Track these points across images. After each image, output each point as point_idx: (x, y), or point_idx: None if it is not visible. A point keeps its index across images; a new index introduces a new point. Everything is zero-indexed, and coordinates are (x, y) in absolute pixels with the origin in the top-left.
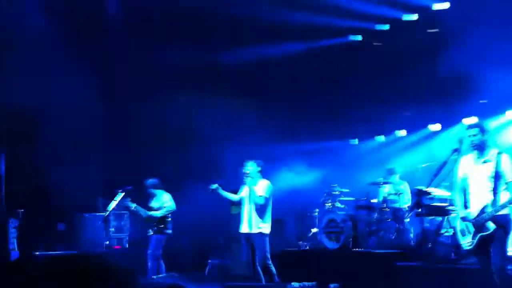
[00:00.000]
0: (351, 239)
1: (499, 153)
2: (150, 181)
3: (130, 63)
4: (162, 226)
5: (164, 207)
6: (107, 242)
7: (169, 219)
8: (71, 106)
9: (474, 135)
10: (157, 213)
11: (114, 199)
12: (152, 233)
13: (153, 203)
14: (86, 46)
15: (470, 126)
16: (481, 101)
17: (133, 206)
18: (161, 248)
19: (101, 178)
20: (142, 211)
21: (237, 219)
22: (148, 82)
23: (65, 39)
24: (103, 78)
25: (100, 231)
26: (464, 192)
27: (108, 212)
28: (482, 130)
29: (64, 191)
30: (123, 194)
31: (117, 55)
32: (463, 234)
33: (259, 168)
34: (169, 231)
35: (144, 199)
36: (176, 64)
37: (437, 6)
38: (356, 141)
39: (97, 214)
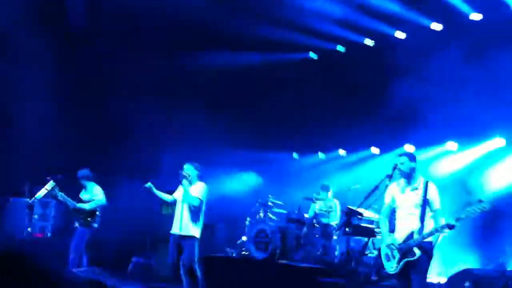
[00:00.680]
0: (278, 251)
1: (426, 182)
2: (82, 171)
3: (84, 60)
4: (90, 219)
5: (94, 200)
6: (29, 229)
7: (98, 213)
8: (18, 90)
9: (402, 163)
10: (86, 206)
11: (44, 187)
12: (78, 226)
13: (84, 195)
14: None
15: (400, 155)
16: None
17: (60, 194)
18: (85, 241)
19: (32, 163)
20: (70, 202)
21: (167, 219)
22: (102, 83)
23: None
24: (63, 72)
25: (24, 217)
26: (390, 217)
27: (34, 199)
28: (411, 159)
29: None
30: (53, 182)
31: (74, 50)
32: (387, 259)
33: (197, 172)
34: (96, 225)
35: (76, 190)
36: (133, 67)
37: (397, 34)
38: (296, 155)
39: (23, 199)
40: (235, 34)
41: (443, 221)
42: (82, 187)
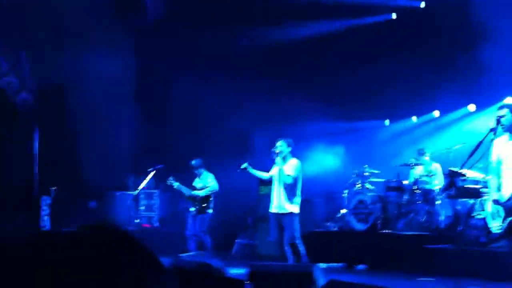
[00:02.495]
0: (380, 221)
1: None
2: (195, 161)
3: (162, 43)
4: (205, 205)
5: (208, 187)
6: (137, 221)
7: (211, 198)
8: (105, 85)
9: (504, 116)
10: (201, 192)
11: (146, 177)
12: (195, 212)
13: (197, 183)
14: (126, 27)
15: (500, 107)
16: None
17: (176, 184)
18: (205, 226)
19: (132, 156)
20: (185, 190)
21: (265, 199)
22: (183, 65)
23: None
24: (137, 58)
25: (130, 210)
26: (498, 174)
27: (138, 191)
28: None
29: (95, 169)
30: (155, 172)
31: (152, 35)
32: (494, 218)
33: (290, 148)
34: (211, 211)
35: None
36: (212, 46)
37: None
38: (387, 122)
39: (128, 192)
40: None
41: None
42: (195, 176)
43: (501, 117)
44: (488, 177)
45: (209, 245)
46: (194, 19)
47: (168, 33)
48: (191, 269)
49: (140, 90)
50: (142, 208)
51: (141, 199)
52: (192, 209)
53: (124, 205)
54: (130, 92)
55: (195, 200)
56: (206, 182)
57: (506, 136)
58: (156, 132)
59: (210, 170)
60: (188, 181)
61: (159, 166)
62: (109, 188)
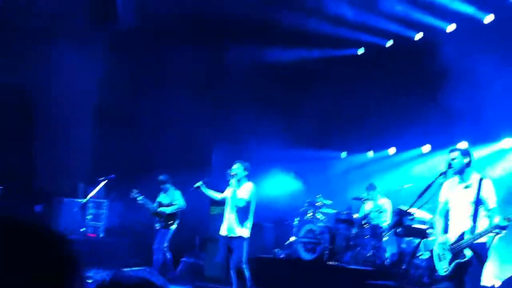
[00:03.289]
0: (327, 252)
1: (481, 179)
2: (163, 176)
3: (133, 55)
4: (171, 222)
5: (175, 204)
6: (83, 229)
7: (177, 215)
8: (69, 90)
9: (455, 159)
10: (167, 209)
11: (96, 187)
12: (159, 227)
13: (162, 198)
14: (96, 33)
15: (452, 150)
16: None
17: (140, 198)
18: (167, 241)
19: (86, 165)
20: (151, 205)
21: (216, 219)
22: (152, 79)
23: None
24: (104, 66)
25: (77, 217)
26: (445, 216)
27: (87, 199)
28: (464, 154)
29: (47, 173)
30: (105, 182)
31: (123, 46)
32: (440, 259)
33: (246, 172)
34: (175, 227)
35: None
36: (181, 61)
37: (449, 28)
38: (344, 154)
39: (76, 200)
40: (285, 29)
41: (496, 220)
42: (162, 191)
43: (452, 159)
44: (435, 219)
45: (170, 261)
46: (167, 32)
47: (138, 44)
48: (130, 285)
49: (103, 99)
50: (89, 217)
51: (89, 208)
52: (157, 225)
53: (71, 212)
54: (92, 100)
55: (161, 216)
56: (173, 199)
57: (455, 179)
58: (114, 142)
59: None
60: (146, 194)
61: (110, 176)
62: (58, 194)
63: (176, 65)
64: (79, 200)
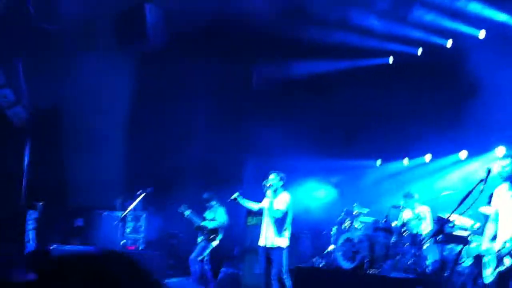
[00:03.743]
0: (367, 260)
1: None
2: (207, 194)
3: (161, 70)
4: (213, 236)
5: (218, 220)
6: (123, 242)
7: (220, 232)
8: (100, 105)
9: (505, 167)
10: (209, 224)
11: (135, 200)
12: (201, 241)
13: (207, 215)
14: (126, 52)
15: (503, 157)
16: None
17: (187, 213)
18: (207, 255)
19: (122, 178)
20: (196, 219)
21: (253, 230)
22: (181, 93)
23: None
24: (134, 80)
25: (116, 230)
26: (496, 224)
27: (126, 212)
28: None
29: (85, 187)
30: (144, 195)
31: (151, 62)
32: (485, 267)
33: (282, 182)
34: (217, 242)
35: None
36: (211, 78)
37: (481, 35)
38: (379, 162)
39: (115, 213)
40: (311, 41)
41: None
42: (207, 208)
43: (503, 167)
44: (477, 225)
45: (209, 272)
46: (195, 47)
47: (167, 60)
48: None
49: (133, 113)
50: (128, 230)
51: (128, 221)
52: (200, 238)
53: (110, 226)
54: (125, 115)
55: (203, 230)
56: (217, 215)
57: (506, 185)
58: (146, 156)
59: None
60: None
61: (148, 190)
62: (97, 208)
63: (204, 79)
64: (118, 213)
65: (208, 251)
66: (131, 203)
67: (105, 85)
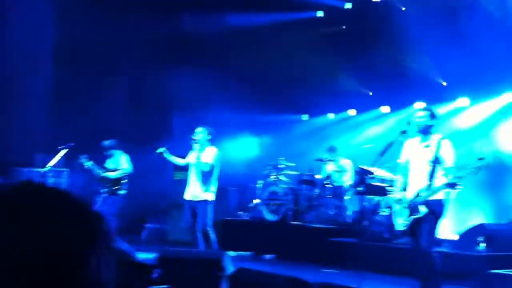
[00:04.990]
0: (291, 213)
1: (440, 139)
2: (108, 141)
3: (95, 30)
4: (117, 187)
5: (121, 169)
6: None
7: (125, 180)
8: (19, 57)
9: (421, 119)
10: (113, 174)
11: (56, 155)
12: (106, 194)
13: (110, 164)
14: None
15: (420, 110)
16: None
17: (88, 164)
18: (116, 208)
19: (43, 133)
20: (97, 171)
21: (180, 184)
22: (103, 47)
23: None
24: (56, 33)
25: None
26: (406, 175)
27: (47, 169)
28: (431, 115)
29: (2, 143)
30: (65, 151)
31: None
32: (398, 215)
33: (209, 136)
34: (124, 192)
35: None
36: (134, 32)
37: None
38: (306, 117)
39: (35, 169)
40: None
41: (449, 178)
42: (108, 157)
43: (419, 118)
44: (395, 177)
45: (115, 228)
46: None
47: (92, 16)
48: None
49: (57, 64)
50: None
51: (49, 178)
52: (104, 190)
53: None
54: (46, 65)
55: (106, 181)
56: (119, 164)
57: (417, 138)
58: (70, 110)
59: (125, 151)
60: (100, 162)
61: (70, 145)
62: (16, 164)
63: (132, 32)
64: (38, 170)
65: (119, 203)
66: (52, 159)
67: (25, 34)
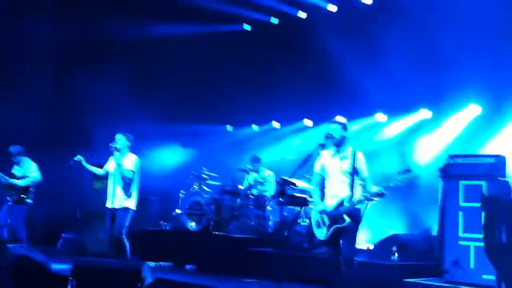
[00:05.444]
0: (213, 223)
1: (355, 151)
2: (14, 148)
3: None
4: (24, 196)
5: (29, 176)
6: None
7: (32, 189)
8: None
9: (335, 131)
10: (20, 182)
11: None
12: (11, 203)
13: (16, 170)
14: None
15: (332, 122)
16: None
17: None
18: (22, 219)
19: None
20: (3, 178)
21: (99, 194)
22: (24, 50)
23: None
24: None
25: None
26: (321, 185)
27: None
28: (343, 127)
29: None
30: None
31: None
32: (318, 226)
33: (129, 143)
34: (30, 201)
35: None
36: (61, 37)
37: (329, 8)
38: (230, 128)
39: None
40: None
41: (373, 189)
42: (15, 163)
43: (332, 131)
44: (312, 187)
45: (24, 238)
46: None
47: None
48: (11, 262)
49: None
50: None
51: None
52: (9, 199)
53: None
54: None
55: (13, 189)
56: (28, 171)
57: (331, 150)
58: None
59: (35, 160)
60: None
61: None
62: None
63: (53, 33)
64: None
65: (25, 212)
66: None
67: None
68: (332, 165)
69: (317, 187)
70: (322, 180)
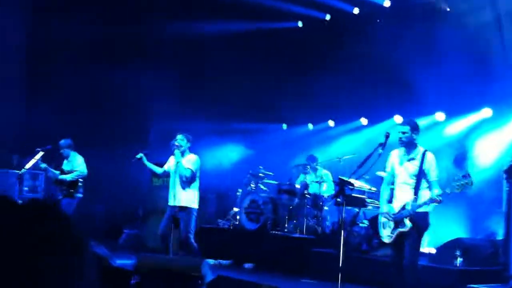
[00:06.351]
0: (270, 222)
1: (424, 152)
2: (65, 141)
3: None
4: (73, 190)
5: (76, 170)
6: (20, 202)
7: (80, 183)
8: None
9: (404, 133)
10: (67, 177)
11: (33, 158)
12: (61, 197)
13: (65, 166)
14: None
15: (403, 123)
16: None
17: (43, 166)
18: (71, 212)
19: (19, 134)
20: (52, 173)
21: (158, 190)
22: (79, 52)
23: None
24: (29, 39)
25: (13, 189)
26: (391, 185)
27: (24, 170)
28: (413, 129)
29: None
30: (43, 153)
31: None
32: (384, 227)
33: (189, 144)
34: (79, 195)
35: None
36: (114, 38)
37: (385, 3)
38: (284, 126)
39: (11, 171)
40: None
41: (436, 193)
42: (64, 158)
43: (401, 132)
44: (373, 189)
45: None
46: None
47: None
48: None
49: (32, 66)
50: (26, 189)
51: (25, 180)
52: (60, 194)
53: (6, 184)
54: (21, 68)
55: (62, 184)
56: (75, 166)
57: (401, 150)
58: (47, 112)
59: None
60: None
61: (47, 147)
62: None
63: (115, 38)
64: (15, 171)
65: (74, 206)
66: (29, 161)
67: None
68: (400, 167)
69: (388, 187)
70: (392, 182)
